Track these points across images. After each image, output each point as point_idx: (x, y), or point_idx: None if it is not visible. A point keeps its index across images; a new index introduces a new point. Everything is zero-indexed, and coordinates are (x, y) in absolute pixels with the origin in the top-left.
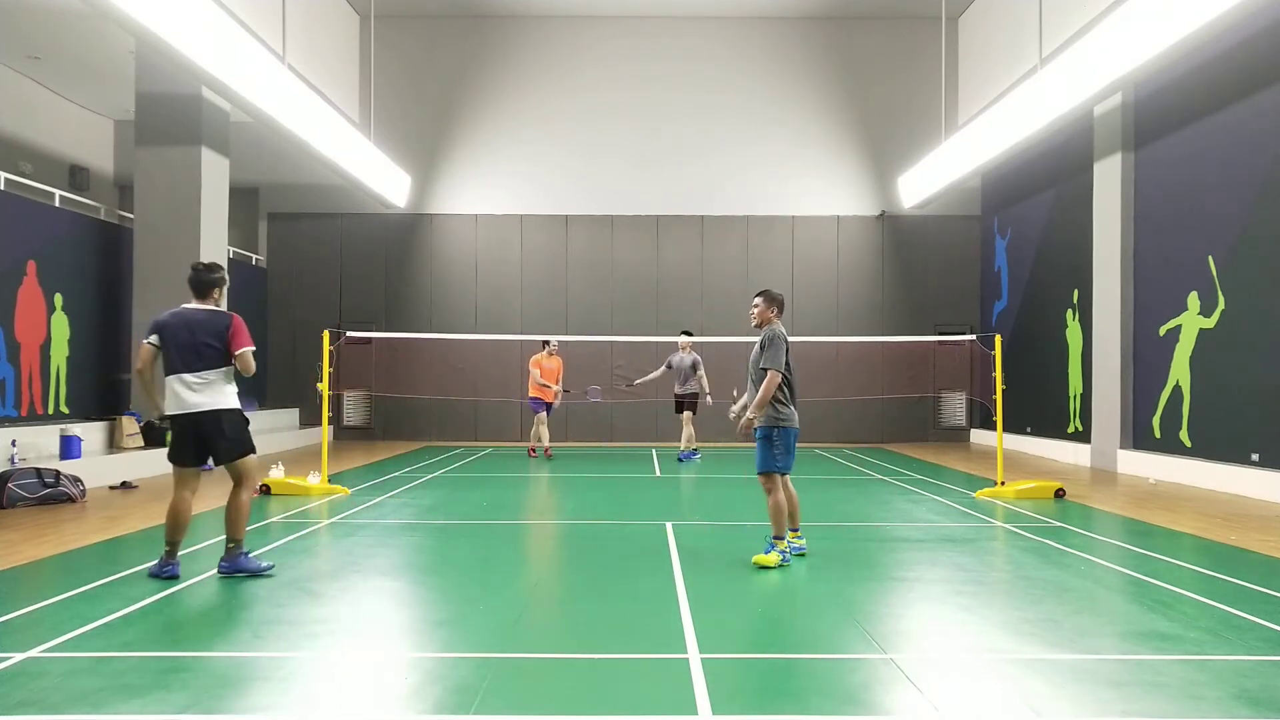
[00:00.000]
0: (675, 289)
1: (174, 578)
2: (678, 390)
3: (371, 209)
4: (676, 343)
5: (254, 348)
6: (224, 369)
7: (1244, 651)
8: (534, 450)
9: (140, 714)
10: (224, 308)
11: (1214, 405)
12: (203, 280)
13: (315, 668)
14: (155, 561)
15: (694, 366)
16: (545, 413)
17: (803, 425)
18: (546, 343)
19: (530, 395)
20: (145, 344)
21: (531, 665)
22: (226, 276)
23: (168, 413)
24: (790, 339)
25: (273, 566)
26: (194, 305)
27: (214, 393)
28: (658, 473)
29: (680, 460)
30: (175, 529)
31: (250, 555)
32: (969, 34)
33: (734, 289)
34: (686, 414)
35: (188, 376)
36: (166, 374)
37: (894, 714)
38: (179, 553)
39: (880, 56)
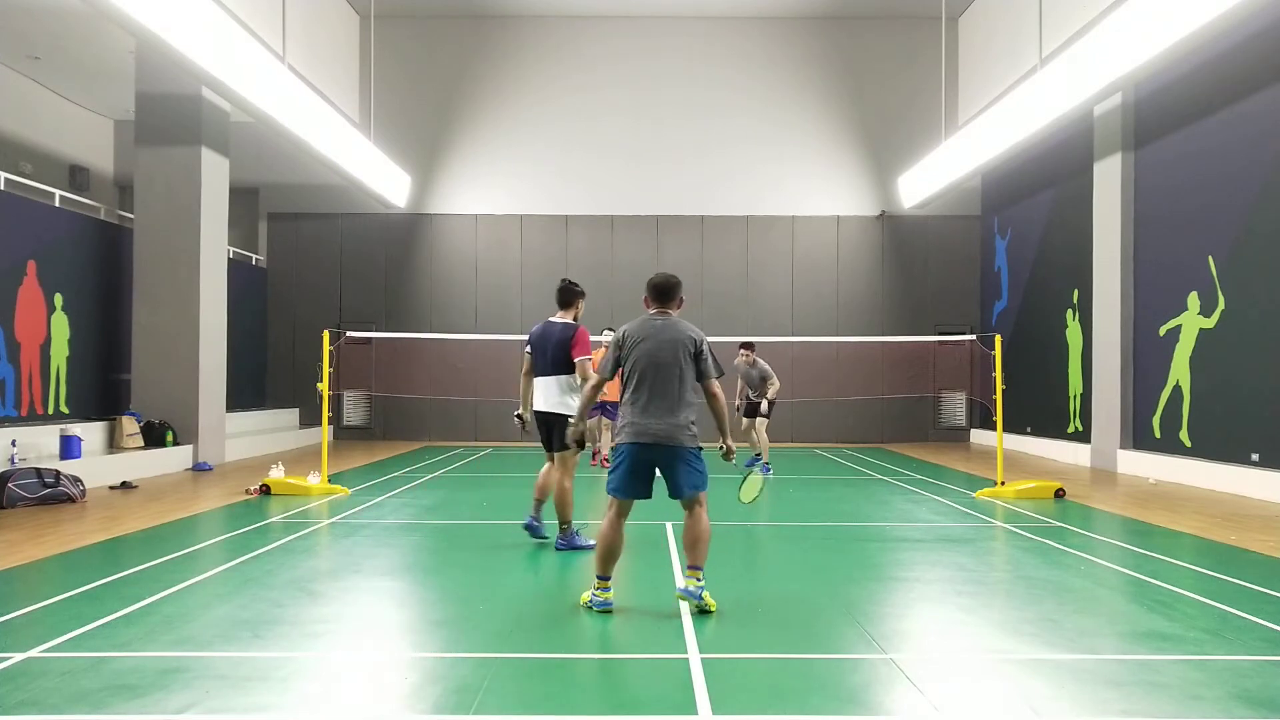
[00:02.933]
0: None
1: (538, 535)
2: (753, 397)
3: (371, 209)
4: (736, 361)
5: (589, 356)
6: (565, 376)
7: (1244, 651)
8: (599, 456)
9: (140, 714)
10: (579, 320)
11: (1214, 405)
12: (566, 293)
13: (315, 668)
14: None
15: (763, 378)
16: (602, 416)
17: (804, 425)
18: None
19: None
20: (525, 354)
21: (531, 665)
22: (584, 292)
23: (533, 408)
24: (791, 339)
25: (594, 545)
26: (555, 317)
27: (554, 395)
28: (657, 473)
29: (747, 468)
30: (542, 490)
31: (579, 534)
32: (969, 34)
33: (734, 289)
34: (760, 420)
35: (541, 380)
36: (536, 374)
37: (894, 714)
38: (541, 511)
39: (880, 56)
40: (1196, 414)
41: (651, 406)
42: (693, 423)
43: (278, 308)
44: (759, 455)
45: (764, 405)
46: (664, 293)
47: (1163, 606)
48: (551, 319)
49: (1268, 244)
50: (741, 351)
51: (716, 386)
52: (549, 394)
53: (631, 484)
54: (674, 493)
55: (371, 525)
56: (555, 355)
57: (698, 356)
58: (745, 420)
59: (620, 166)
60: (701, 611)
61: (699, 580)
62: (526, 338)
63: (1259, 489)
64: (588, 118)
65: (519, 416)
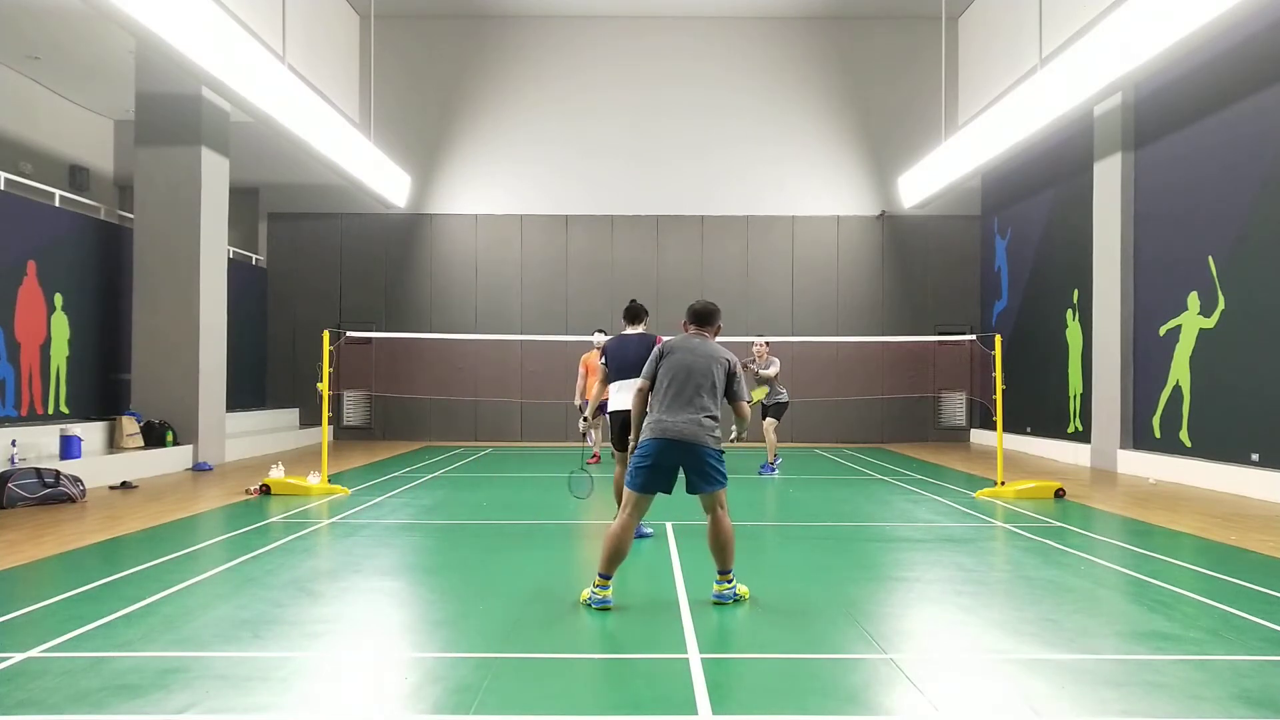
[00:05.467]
0: (675, 289)
1: (642, 535)
2: (765, 402)
3: (371, 209)
4: (754, 348)
5: None
6: None
7: (1244, 651)
8: (597, 457)
9: (140, 714)
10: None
11: (1214, 405)
12: (635, 311)
13: (315, 668)
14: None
15: (768, 365)
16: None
17: (804, 425)
18: (600, 331)
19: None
20: (600, 365)
21: (531, 665)
22: (648, 311)
23: (610, 409)
24: (791, 339)
25: (650, 533)
26: (627, 331)
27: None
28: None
29: (760, 473)
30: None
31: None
32: (969, 34)
33: (734, 289)
34: (769, 421)
35: (625, 383)
36: (613, 380)
37: (894, 714)
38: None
39: (880, 56)
40: (1196, 414)
41: (677, 406)
42: (716, 425)
43: (278, 308)
44: (776, 458)
45: (774, 408)
46: (703, 318)
47: (1163, 606)
48: (625, 333)
49: (1268, 244)
50: (759, 346)
51: (746, 409)
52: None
53: (653, 480)
54: (693, 489)
55: (371, 525)
56: (639, 362)
57: (730, 377)
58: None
59: (620, 166)
60: (735, 602)
61: (730, 582)
62: (602, 348)
63: (1259, 489)
64: (588, 118)
65: (585, 419)
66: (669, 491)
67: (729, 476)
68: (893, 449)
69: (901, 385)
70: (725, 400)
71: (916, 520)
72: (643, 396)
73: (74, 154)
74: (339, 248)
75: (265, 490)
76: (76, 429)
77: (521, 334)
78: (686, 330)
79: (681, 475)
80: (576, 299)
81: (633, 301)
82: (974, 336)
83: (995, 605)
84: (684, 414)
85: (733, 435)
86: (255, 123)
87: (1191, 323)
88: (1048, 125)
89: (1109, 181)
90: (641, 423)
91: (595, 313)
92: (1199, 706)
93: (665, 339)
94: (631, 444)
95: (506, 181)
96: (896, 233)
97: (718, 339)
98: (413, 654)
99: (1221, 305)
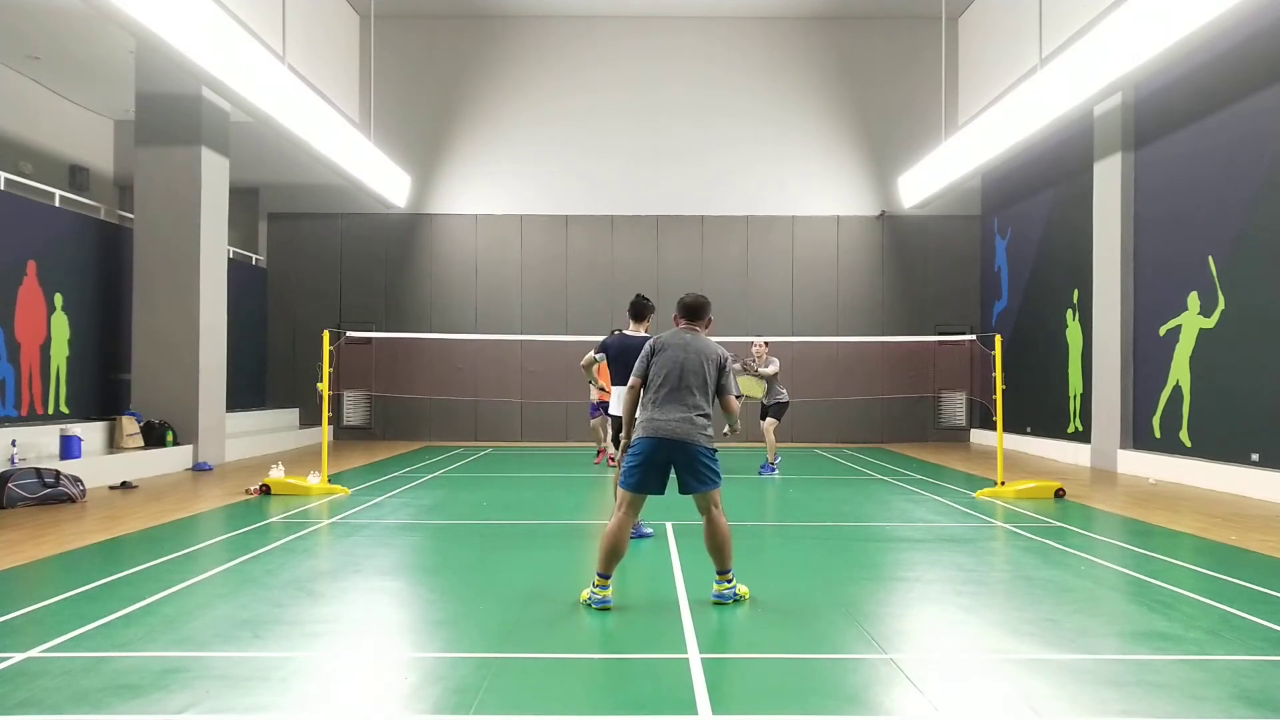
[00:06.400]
0: (675, 289)
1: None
2: (765, 401)
3: (371, 209)
4: (753, 349)
5: None
6: None
7: (1244, 651)
8: (603, 453)
9: (140, 714)
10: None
11: (1214, 405)
12: (640, 307)
13: (315, 668)
14: None
15: (766, 364)
16: (605, 416)
17: (804, 426)
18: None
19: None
20: (593, 356)
21: (531, 665)
22: (654, 306)
23: (612, 412)
24: (791, 339)
25: (650, 533)
26: (629, 330)
27: None
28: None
29: (760, 473)
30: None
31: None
32: (969, 34)
33: (734, 289)
34: (769, 421)
35: (620, 389)
36: (613, 383)
37: (894, 714)
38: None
39: (880, 56)
40: (1196, 414)
41: (669, 405)
42: (708, 423)
43: (278, 308)
44: (776, 458)
45: (774, 407)
46: (694, 311)
47: (1163, 606)
48: (627, 331)
49: (1268, 244)
50: (758, 346)
51: (734, 403)
52: None
53: (645, 479)
54: (685, 489)
55: (371, 525)
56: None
57: (721, 372)
58: (763, 423)
59: (620, 166)
60: (735, 601)
61: (730, 582)
62: (600, 343)
63: (1259, 489)
64: (588, 118)
65: (591, 381)
66: (662, 492)
67: (726, 477)
68: (893, 449)
69: (901, 385)
70: (714, 396)
71: (916, 520)
72: (634, 394)
73: (74, 154)
74: (339, 248)
75: (265, 490)
76: (76, 429)
77: (521, 334)
78: (677, 324)
79: (674, 478)
80: (576, 299)
81: (638, 296)
82: (974, 336)
83: (995, 605)
84: (676, 412)
85: (725, 431)
86: (255, 123)
87: (1191, 323)
88: (1048, 125)
89: (1109, 181)
90: (633, 421)
91: (595, 313)
92: (1199, 706)
93: (656, 335)
94: (624, 442)
95: (506, 181)
96: (896, 233)
97: (708, 333)
98: (413, 654)
99: (1221, 305)
